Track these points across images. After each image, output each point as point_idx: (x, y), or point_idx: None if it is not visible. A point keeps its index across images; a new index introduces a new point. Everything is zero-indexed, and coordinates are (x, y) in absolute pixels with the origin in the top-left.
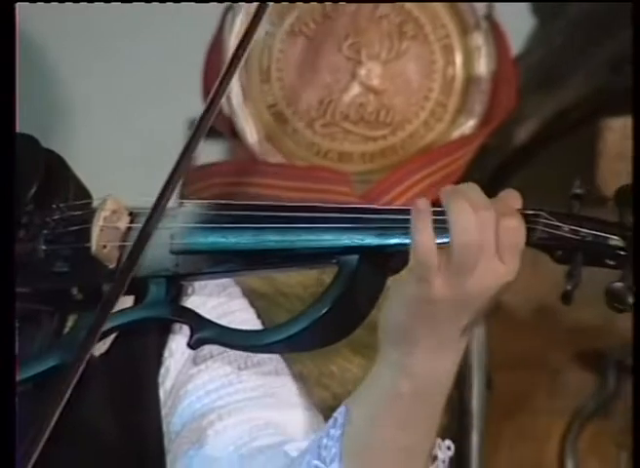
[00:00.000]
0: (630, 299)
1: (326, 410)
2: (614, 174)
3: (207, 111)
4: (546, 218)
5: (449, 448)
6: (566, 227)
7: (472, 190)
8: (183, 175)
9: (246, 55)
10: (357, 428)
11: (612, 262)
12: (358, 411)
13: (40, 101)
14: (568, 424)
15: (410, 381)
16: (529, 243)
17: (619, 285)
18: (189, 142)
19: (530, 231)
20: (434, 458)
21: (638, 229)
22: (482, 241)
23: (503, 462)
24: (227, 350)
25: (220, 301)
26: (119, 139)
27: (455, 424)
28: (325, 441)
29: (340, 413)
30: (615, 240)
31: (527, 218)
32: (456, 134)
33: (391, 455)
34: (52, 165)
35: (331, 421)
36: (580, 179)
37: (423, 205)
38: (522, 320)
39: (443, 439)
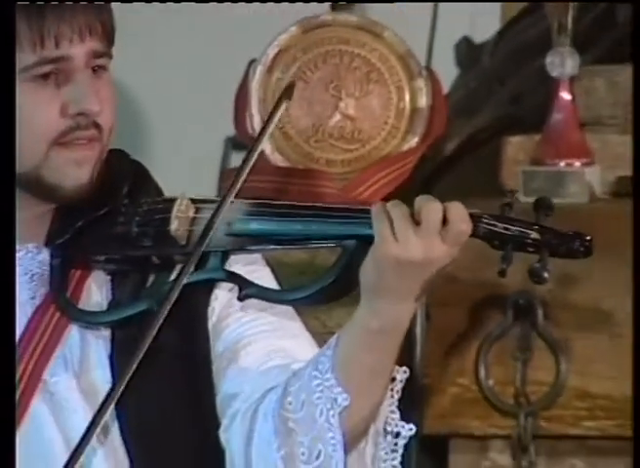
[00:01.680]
0: (545, 275)
1: (316, 335)
2: (512, 174)
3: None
4: (487, 219)
5: (405, 372)
6: (500, 225)
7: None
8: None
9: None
10: (343, 350)
11: (532, 249)
12: (344, 339)
13: None
14: (481, 344)
15: (378, 321)
16: (474, 235)
17: (537, 265)
18: (245, 159)
19: (475, 228)
20: (393, 379)
21: (638, 229)
22: (437, 231)
23: (437, 370)
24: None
25: (253, 268)
26: (168, 155)
27: (404, 345)
28: (322, 358)
29: (332, 339)
30: (533, 234)
31: (473, 219)
32: (405, 147)
33: (365, 372)
34: (138, 171)
35: (326, 345)
36: (511, 193)
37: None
38: (463, 280)
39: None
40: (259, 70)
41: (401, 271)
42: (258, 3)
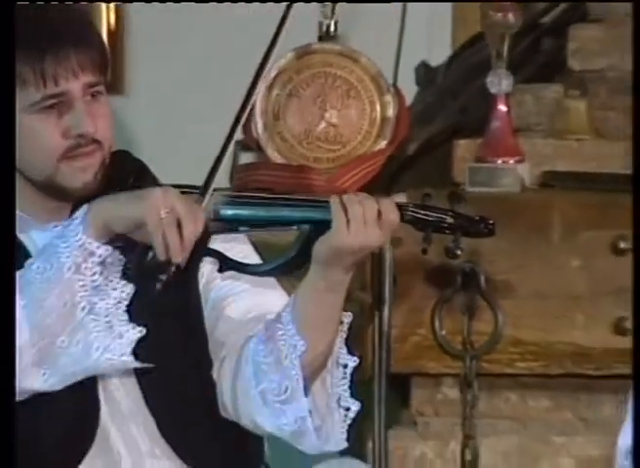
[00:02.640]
0: (458, 252)
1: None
2: (460, 170)
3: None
4: (412, 208)
5: (349, 317)
6: (422, 213)
7: (366, 197)
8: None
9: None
10: (299, 306)
11: (448, 231)
12: (299, 298)
13: None
14: (436, 303)
15: (325, 283)
16: (402, 221)
17: (451, 244)
18: (221, 152)
19: (402, 216)
20: (342, 322)
21: (638, 228)
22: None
23: (402, 324)
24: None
25: (232, 245)
26: (186, 155)
27: (376, 304)
28: (283, 314)
29: (291, 299)
30: (448, 219)
31: (401, 208)
32: (376, 148)
33: (317, 320)
34: (140, 167)
35: (286, 304)
36: (431, 188)
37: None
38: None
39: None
40: (261, 88)
41: (346, 253)
42: (257, 3)
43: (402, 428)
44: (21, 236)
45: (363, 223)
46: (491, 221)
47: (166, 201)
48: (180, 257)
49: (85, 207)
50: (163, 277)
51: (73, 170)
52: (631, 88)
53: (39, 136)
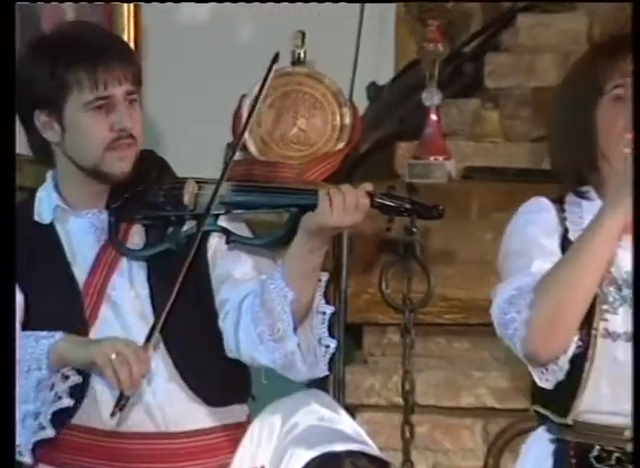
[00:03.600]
0: (414, 230)
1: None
2: (402, 166)
3: (237, 144)
4: (379, 196)
5: (326, 275)
6: (387, 199)
7: (347, 187)
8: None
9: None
10: (288, 265)
11: (406, 214)
12: (288, 258)
13: None
14: (383, 267)
15: (309, 246)
16: (372, 206)
17: (409, 224)
18: (230, 157)
19: (372, 202)
20: (320, 279)
21: (638, 227)
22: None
23: (356, 283)
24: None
25: (235, 225)
26: (186, 155)
27: (336, 268)
28: (275, 272)
29: (280, 260)
30: (407, 205)
31: (370, 196)
32: (336, 148)
33: (302, 276)
34: (162, 163)
35: (277, 264)
36: (391, 187)
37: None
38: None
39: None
40: (246, 102)
41: (328, 229)
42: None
43: (356, 365)
44: (57, 225)
45: (343, 208)
46: (441, 207)
47: (115, 347)
48: (131, 391)
49: (50, 350)
50: (118, 405)
51: (114, 159)
52: (631, 87)
53: (91, 130)
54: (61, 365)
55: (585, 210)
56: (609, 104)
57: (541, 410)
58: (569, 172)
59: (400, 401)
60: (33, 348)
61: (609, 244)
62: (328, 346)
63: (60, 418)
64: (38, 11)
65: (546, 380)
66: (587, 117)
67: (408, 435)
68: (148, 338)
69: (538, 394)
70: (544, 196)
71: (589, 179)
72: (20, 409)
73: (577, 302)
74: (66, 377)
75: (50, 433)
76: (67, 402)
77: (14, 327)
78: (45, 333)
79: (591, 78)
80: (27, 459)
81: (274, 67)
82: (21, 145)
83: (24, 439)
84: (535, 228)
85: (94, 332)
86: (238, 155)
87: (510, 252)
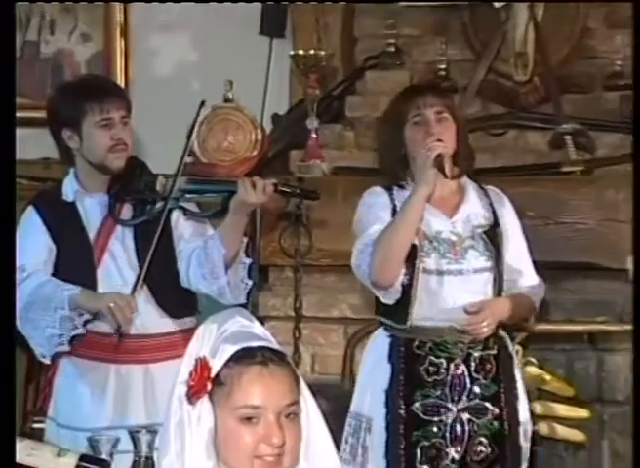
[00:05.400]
0: (302, 207)
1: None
2: (294, 166)
3: (186, 152)
4: (279, 185)
5: (246, 239)
6: (285, 187)
7: (257, 179)
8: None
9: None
10: (223, 229)
11: (296, 196)
12: (222, 226)
13: None
14: (281, 231)
15: (235, 218)
16: (275, 192)
17: (297, 204)
18: (183, 159)
19: (275, 188)
20: (242, 241)
21: (638, 227)
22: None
23: (265, 239)
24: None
25: (189, 204)
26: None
27: (253, 231)
28: (214, 234)
29: (217, 228)
30: (297, 191)
31: (275, 185)
32: (252, 155)
33: (232, 237)
34: (143, 164)
35: (216, 229)
36: (278, 175)
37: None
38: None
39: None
40: (197, 124)
41: (246, 205)
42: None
43: (264, 292)
44: (77, 202)
45: (256, 192)
46: (318, 192)
47: (113, 299)
48: (125, 326)
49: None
50: (117, 333)
51: (113, 158)
52: (632, 87)
53: (99, 139)
54: (77, 308)
55: (406, 194)
56: (410, 127)
57: (383, 319)
58: (389, 170)
59: (292, 314)
60: (60, 294)
61: (417, 210)
62: (247, 283)
63: (74, 338)
64: (62, 63)
65: (388, 299)
66: (399, 136)
67: (297, 335)
68: (134, 287)
69: (381, 308)
70: (380, 185)
71: (406, 174)
72: (46, 332)
73: (398, 250)
74: (81, 314)
75: (67, 348)
76: (81, 330)
77: (14, 327)
78: (69, 285)
79: (399, 111)
80: (47, 361)
81: (202, 109)
82: (53, 152)
83: (48, 351)
84: (374, 205)
85: (99, 272)
86: (189, 158)
87: (360, 220)
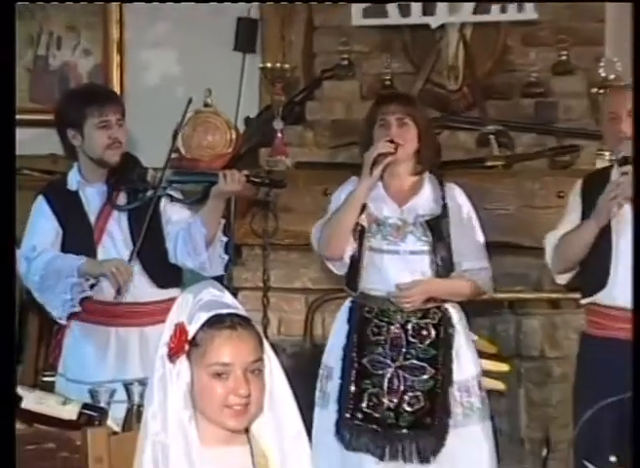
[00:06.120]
0: (271, 194)
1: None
2: (264, 160)
3: (172, 149)
4: (252, 176)
5: (224, 221)
6: (256, 177)
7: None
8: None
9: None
10: (204, 213)
11: (267, 187)
12: (204, 210)
13: None
14: (252, 215)
15: (214, 203)
16: (248, 182)
17: (268, 192)
18: (170, 155)
19: (247, 179)
20: (220, 222)
21: (638, 227)
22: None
23: (239, 222)
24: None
25: (175, 192)
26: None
27: (229, 216)
28: (196, 217)
29: (199, 212)
30: (267, 181)
31: (247, 176)
32: (228, 151)
33: (212, 219)
34: (135, 158)
35: (198, 214)
36: (250, 169)
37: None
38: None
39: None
40: (185, 116)
41: (223, 193)
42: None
43: (238, 266)
44: (80, 191)
45: (231, 182)
46: (285, 181)
47: (114, 264)
48: (124, 287)
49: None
50: (118, 294)
51: (111, 154)
52: (632, 87)
53: (98, 138)
54: (84, 274)
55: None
56: (377, 129)
57: (345, 288)
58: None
59: (261, 285)
60: (69, 265)
61: (358, 199)
62: (224, 258)
63: (83, 300)
64: (67, 74)
65: (338, 270)
66: (369, 135)
67: (266, 303)
68: (130, 259)
69: (344, 279)
70: (358, 175)
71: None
72: (60, 297)
73: (339, 230)
74: (88, 280)
75: (78, 309)
76: (88, 293)
77: (14, 325)
78: (76, 257)
79: (370, 115)
80: (64, 322)
81: (189, 107)
82: (59, 149)
83: (63, 312)
84: (342, 192)
85: (100, 250)
86: (175, 155)
87: (330, 202)
